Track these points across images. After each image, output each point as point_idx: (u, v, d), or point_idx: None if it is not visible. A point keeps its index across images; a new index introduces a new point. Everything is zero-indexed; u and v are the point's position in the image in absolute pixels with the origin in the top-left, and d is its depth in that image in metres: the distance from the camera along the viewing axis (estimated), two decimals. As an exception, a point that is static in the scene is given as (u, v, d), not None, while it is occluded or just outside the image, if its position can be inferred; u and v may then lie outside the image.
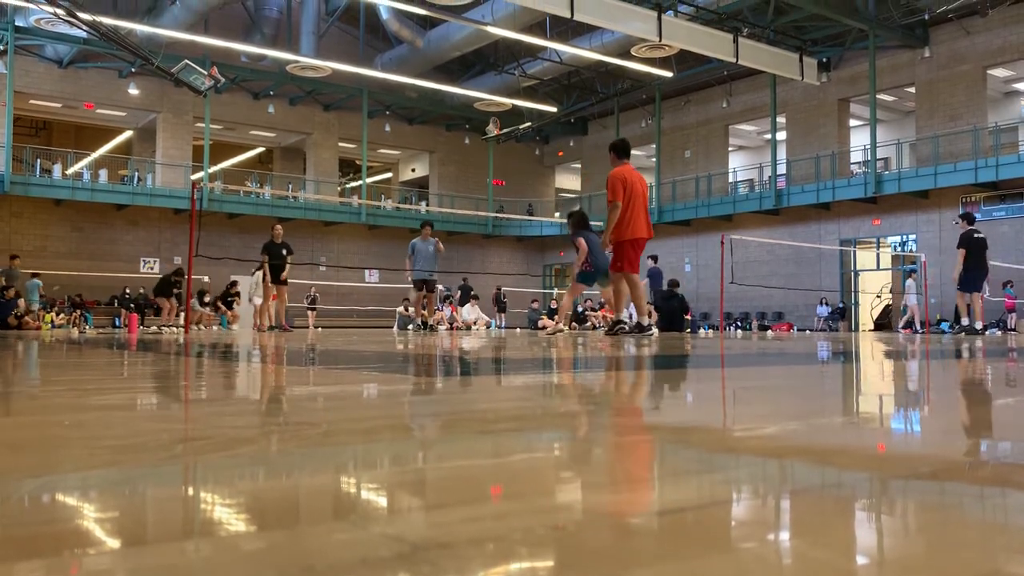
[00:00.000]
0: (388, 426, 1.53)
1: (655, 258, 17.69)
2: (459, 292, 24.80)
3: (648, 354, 4.97)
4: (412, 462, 1.16)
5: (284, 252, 14.43)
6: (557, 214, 37.40)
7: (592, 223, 11.08)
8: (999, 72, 25.29)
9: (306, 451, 1.19)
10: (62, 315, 22.93)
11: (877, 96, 25.69)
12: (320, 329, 20.99)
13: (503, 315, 27.31)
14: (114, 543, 0.68)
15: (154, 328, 18.23)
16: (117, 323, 24.31)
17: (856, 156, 28.77)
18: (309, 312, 25.17)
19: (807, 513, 0.82)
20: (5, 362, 4.10)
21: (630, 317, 9.61)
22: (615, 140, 9.47)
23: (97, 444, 1.23)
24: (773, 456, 1.18)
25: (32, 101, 28.12)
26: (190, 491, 0.95)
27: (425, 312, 15.32)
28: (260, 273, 15.10)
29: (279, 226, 14.92)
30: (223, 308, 21.00)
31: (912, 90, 26.05)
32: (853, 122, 28.65)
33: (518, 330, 21.16)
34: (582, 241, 10.39)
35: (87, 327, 19.56)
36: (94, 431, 1.41)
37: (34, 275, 21.32)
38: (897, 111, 29.97)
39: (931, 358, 5.07)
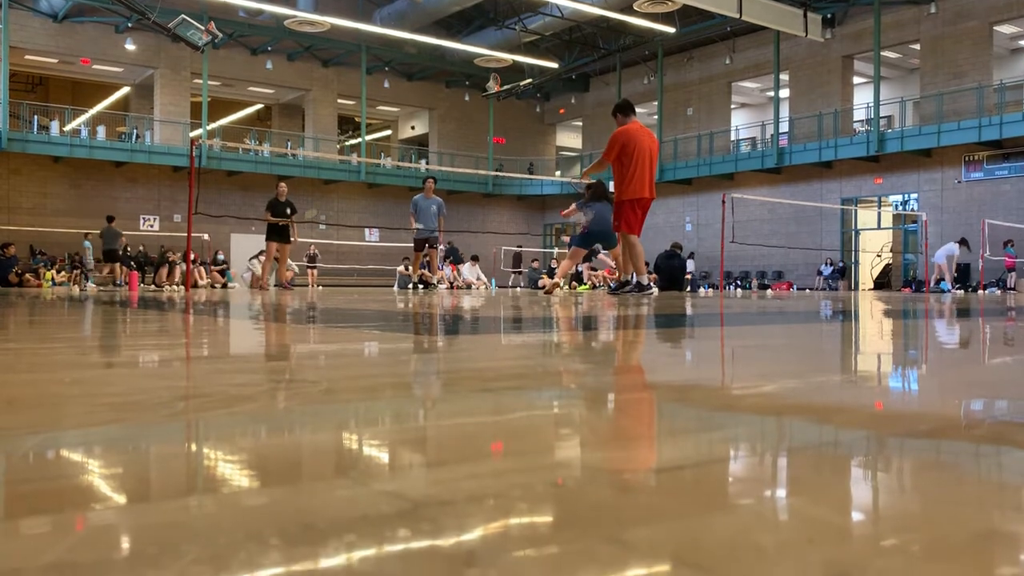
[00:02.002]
0: (389, 384, 1.53)
1: None
2: (448, 253, 24.73)
3: (647, 313, 4.98)
4: (413, 420, 1.16)
5: (288, 211, 14.34)
6: (558, 172, 37.19)
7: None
8: (1005, 28, 24.96)
9: (307, 409, 1.20)
10: (63, 273, 22.92)
11: (881, 53, 25.38)
12: (321, 287, 21.01)
13: (519, 275, 27.38)
14: (116, 500, 0.69)
15: (154, 286, 18.27)
16: (117, 281, 24.31)
17: (859, 114, 28.53)
18: (309, 270, 25.16)
19: (806, 471, 0.82)
20: (5, 319, 4.11)
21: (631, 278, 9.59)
22: (617, 103, 9.25)
23: (97, 401, 1.24)
24: (772, 414, 1.18)
25: (28, 56, 27.79)
26: (191, 448, 0.95)
27: (425, 271, 15.24)
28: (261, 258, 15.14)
29: (283, 184, 14.75)
30: (217, 275, 21.30)
31: (917, 47, 25.74)
32: (857, 79, 28.36)
33: (518, 289, 21.17)
34: (573, 207, 10.96)
35: (88, 285, 19.56)
36: (94, 388, 1.41)
37: (86, 235, 21.61)
38: (901, 68, 29.66)
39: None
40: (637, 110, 9.25)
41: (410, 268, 16.31)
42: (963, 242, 20.76)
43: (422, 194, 13.86)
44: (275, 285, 15.08)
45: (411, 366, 1.95)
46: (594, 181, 11.32)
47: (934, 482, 0.78)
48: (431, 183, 14.00)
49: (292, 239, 14.50)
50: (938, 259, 21.06)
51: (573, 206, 10.96)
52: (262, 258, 15.87)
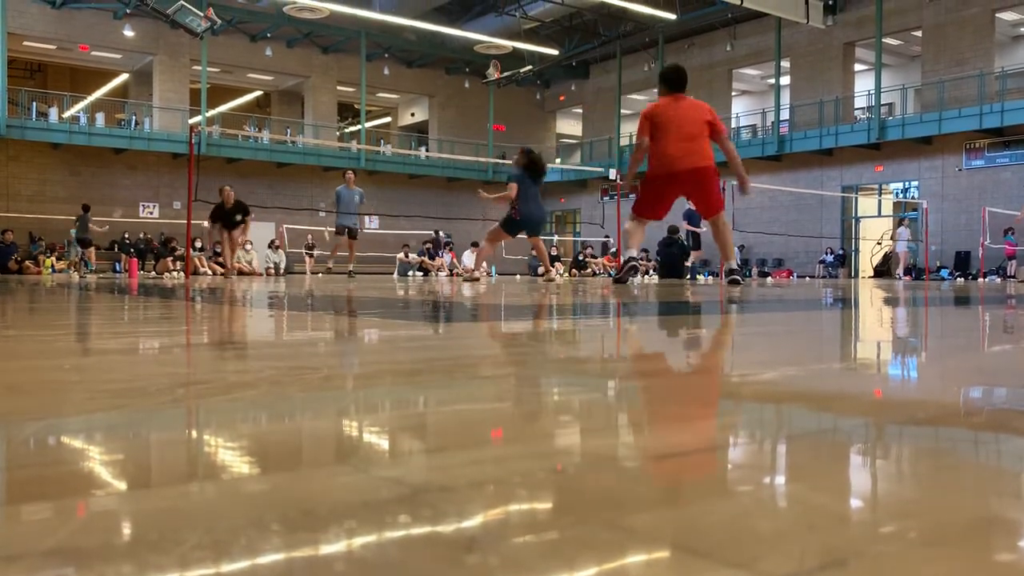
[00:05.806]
0: (388, 371, 1.54)
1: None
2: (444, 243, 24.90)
3: (647, 301, 4.98)
4: (413, 406, 1.16)
5: (237, 217, 13.94)
6: (558, 160, 37.09)
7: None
8: (1007, 15, 24.85)
9: (307, 395, 1.20)
10: (62, 260, 22.91)
11: (883, 40, 25.28)
12: (320, 275, 20.99)
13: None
14: (117, 486, 0.69)
15: (154, 274, 18.28)
16: (117, 268, 24.30)
17: (860, 102, 28.44)
18: (307, 258, 25.15)
19: (805, 458, 0.82)
20: (5, 306, 4.11)
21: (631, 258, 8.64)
22: (662, 70, 7.84)
23: (97, 388, 1.24)
24: (772, 401, 1.18)
25: (26, 43, 27.67)
26: (192, 434, 0.95)
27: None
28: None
29: (229, 188, 14.25)
30: (216, 265, 21.28)
31: (919, 34, 25.63)
32: (858, 67, 28.25)
33: (518, 277, 21.19)
34: (513, 186, 9.61)
35: (87, 272, 19.56)
36: (94, 375, 1.41)
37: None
38: (903, 55, 29.54)
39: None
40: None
41: (411, 256, 16.47)
42: (908, 225, 21.72)
43: (344, 185, 14.56)
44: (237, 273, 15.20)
45: (410, 354, 1.95)
46: (526, 149, 10.13)
47: (933, 469, 0.78)
48: (351, 174, 14.86)
49: (244, 238, 14.46)
50: (900, 248, 21.73)
51: (509, 191, 9.79)
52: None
